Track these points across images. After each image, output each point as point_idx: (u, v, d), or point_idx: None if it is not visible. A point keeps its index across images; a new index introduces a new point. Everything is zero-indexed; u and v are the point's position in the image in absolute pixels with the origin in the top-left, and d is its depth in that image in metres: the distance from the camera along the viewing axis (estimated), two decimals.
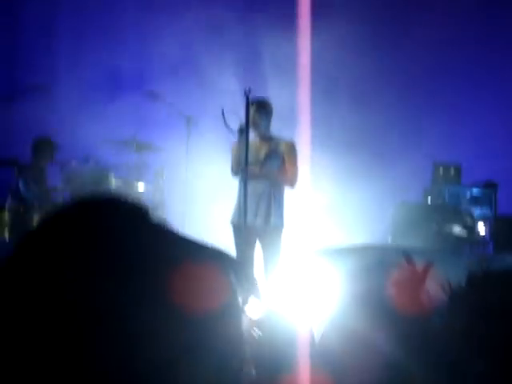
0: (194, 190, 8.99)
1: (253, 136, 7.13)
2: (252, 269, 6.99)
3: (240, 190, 6.98)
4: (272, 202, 7.07)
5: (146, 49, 10.97)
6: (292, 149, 7.19)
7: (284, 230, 7.15)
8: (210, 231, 8.99)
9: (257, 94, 7.12)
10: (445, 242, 8.61)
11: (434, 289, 1.85)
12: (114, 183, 8.72)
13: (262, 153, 7.14)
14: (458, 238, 8.78)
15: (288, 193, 7.34)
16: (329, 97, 10.42)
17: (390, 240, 9.02)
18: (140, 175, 9.19)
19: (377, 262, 5.59)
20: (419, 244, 8.42)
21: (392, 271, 5.15)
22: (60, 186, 8.76)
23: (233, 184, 7.33)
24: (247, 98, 6.85)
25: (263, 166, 7.10)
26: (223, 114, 6.70)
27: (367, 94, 10.64)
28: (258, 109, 7.09)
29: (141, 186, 9.04)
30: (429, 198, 9.54)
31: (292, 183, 7.19)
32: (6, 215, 8.23)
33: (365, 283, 5.57)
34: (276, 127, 7.34)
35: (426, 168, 9.81)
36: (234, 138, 7.10)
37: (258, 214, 7.04)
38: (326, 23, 10.41)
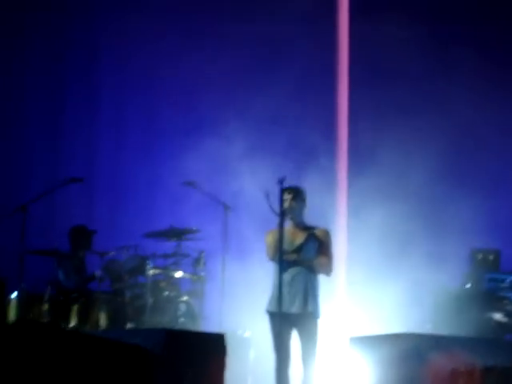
0: (231, 278, 9.02)
1: (288, 224, 7.17)
2: (289, 356, 6.93)
3: (275, 277, 6.99)
4: (308, 290, 7.06)
5: (184, 140, 11.18)
6: (327, 236, 7.22)
7: (320, 319, 7.12)
8: (248, 320, 9.03)
9: (290, 182, 7.20)
10: (485, 330, 8.50)
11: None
12: (152, 272, 8.77)
13: (298, 240, 7.18)
14: (499, 325, 8.66)
15: (326, 280, 7.33)
16: (365, 183, 10.48)
17: (429, 327, 8.92)
18: (178, 263, 9.25)
19: (412, 350, 5.52)
20: (459, 331, 8.31)
21: (428, 360, 5.08)
22: (99, 275, 8.83)
23: (269, 272, 7.35)
24: (281, 186, 6.91)
25: (299, 254, 7.12)
26: (267, 196, 6.75)
27: (401, 177, 10.66)
28: (295, 196, 7.16)
29: (179, 274, 9.08)
30: (468, 284, 9.45)
31: (328, 271, 7.20)
32: (46, 305, 8.30)
33: (400, 370, 5.51)
34: (312, 216, 7.38)
35: (464, 254, 9.75)
36: (272, 225, 7.12)
37: (294, 302, 7.03)
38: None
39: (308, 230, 7.23)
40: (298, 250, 7.13)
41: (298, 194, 7.20)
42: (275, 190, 6.92)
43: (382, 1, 10.99)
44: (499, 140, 10.81)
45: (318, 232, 7.20)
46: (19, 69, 11.31)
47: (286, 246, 6.99)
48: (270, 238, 7.18)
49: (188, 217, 10.13)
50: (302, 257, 7.11)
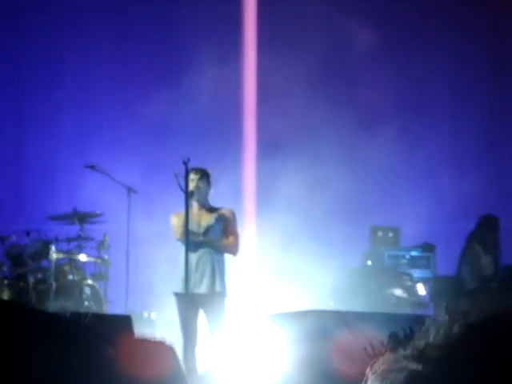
0: (136, 260, 9.01)
1: (194, 205, 7.21)
2: (196, 336, 7.00)
3: (182, 259, 7.02)
4: (215, 270, 7.13)
5: (86, 123, 11.08)
6: (233, 217, 7.31)
7: (227, 298, 7.20)
8: (154, 301, 9.05)
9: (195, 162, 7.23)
10: (385, 305, 8.73)
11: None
12: (56, 256, 8.68)
13: (204, 222, 7.23)
14: (399, 300, 8.91)
15: (232, 259, 7.41)
16: (271, 161, 10.60)
17: (331, 304, 9.11)
18: (82, 247, 9.17)
19: (319, 329, 5.64)
20: (361, 308, 8.51)
21: (334, 338, 5.20)
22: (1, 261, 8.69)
23: (174, 253, 7.38)
24: (186, 167, 6.94)
25: (205, 235, 7.18)
26: (176, 175, 6.78)
27: (307, 157, 10.80)
28: (202, 177, 7.20)
29: (83, 257, 9.01)
30: (368, 261, 9.69)
31: (234, 251, 7.29)
32: None
33: (308, 349, 5.63)
34: (218, 194, 7.45)
35: (364, 232, 9.99)
36: (177, 207, 7.15)
37: (201, 283, 7.08)
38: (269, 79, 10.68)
39: (213, 210, 7.30)
40: (205, 231, 7.19)
41: (204, 175, 7.26)
42: (181, 171, 6.96)
43: None
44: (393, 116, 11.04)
45: (223, 212, 7.28)
46: None
47: (193, 227, 7.04)
48: (175, 220, 7.22)
49: (91, 200, 10.05)
50: (209, 238, 7.17)
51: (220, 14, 11.02)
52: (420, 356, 1.41)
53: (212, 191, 7.36)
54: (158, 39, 11.14)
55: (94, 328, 1.00)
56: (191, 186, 7.05)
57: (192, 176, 7.09)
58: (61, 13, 11.19)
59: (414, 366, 1.40)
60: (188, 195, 6.82)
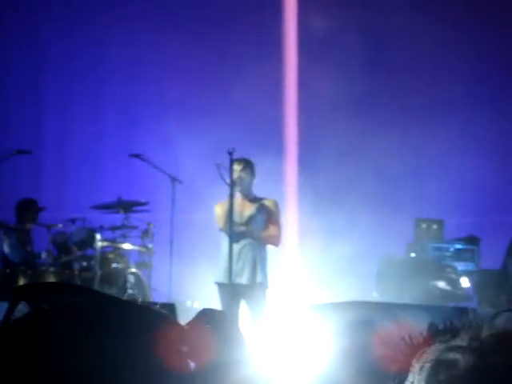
0: (179, 249, 9.05)
1: (237, 195, 7.21)
2: (237, 325, 7.02)
3: (224, 249, 7.04)
4: (257, 261, 7.13)
5: (131, 113, 11.15)
6: (275, 207, 7.29)
7: (268, 289, 7.19)
8: (196, 290, 9.09)
9: (240, 154, 7.25)
10: (429, 297, 8.67)
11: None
12: (100, 244, 8.76)
13: (247, 212, 7.23)
14: (442, 293, 8.85)
15: (274, 250, 7.41)
16: (315, 153, 10.58)
17: (374, 295, 9.07)
18: (127, 235, 9.24)
19: (362, 320, 5.63)
20: (405, 300, 8.47)
21: (378, 329, 5.19)
22: (46, 252, 8.79)
23: (217, 243, 7.40)
24: (231, 158, 6.95)
25: (247, 226, 7.18)
26: (218, 166, 6.79)
27: (352, 150, 10.78)
28: (245, 167, 7.19)
29: (127, 246, 9.08)
30: (412, 253, 9.63)
31: (276, 242, 7.27)
32: None
33: (351, 340, 5.62)
34: (261, 185, 7.45)
35: (408, 224, 9.93)
36: (221, 197, 7.16)
37: (243, 273, 7.09)
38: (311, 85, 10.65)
39: (256, 201, 7.29)
40: (247, 221, 7.19)
41: (247, 165, 7.24)
42: (225, 162, 6.97)
43: None
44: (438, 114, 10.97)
45: (266, 203, 7.27)
46: None
47: (236, 217, 7.04)
48: (219, 210, 7.23)
49: (136, 189, 10.12)
50: (251, 228, 7.17)
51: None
52: (477, 347, 1.39)
53: (255, 181, 7.35)
54: (196, 32, 11.17)
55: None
56: (234, 176, 7.05)
57: (235, 166, 7.09)
58: (106, 11, 11.26)
59: (471, 357, 1.38)
60: (232, 186, 6.82)
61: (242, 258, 7.11)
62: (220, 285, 7.15)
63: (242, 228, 7.13)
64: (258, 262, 7.13)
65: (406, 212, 10.21)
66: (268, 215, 7.23)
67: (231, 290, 6.89)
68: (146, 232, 9.14)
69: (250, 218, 7.21)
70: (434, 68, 11.04)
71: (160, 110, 11.10)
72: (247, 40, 10.99)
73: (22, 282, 8.31)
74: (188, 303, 9.13)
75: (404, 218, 10.10)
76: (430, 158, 10.76)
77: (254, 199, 7.31)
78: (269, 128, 10.78)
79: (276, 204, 7.34)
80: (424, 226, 9.83)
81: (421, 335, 1.77)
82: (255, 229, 7.18)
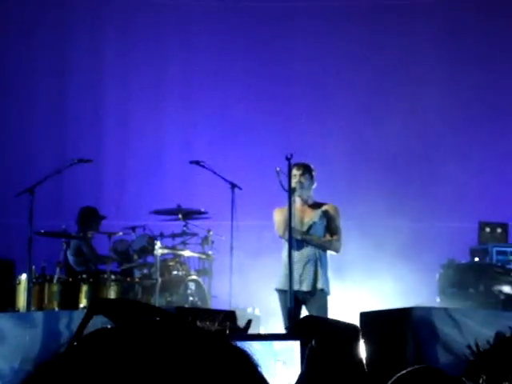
0: (239, 256, 9.03)
1: (297, 201, 7.15)
2: None
3: (285, 255, 6.98)
4: (318, 267, 7.05)
5: (190, 121, 11.20)
6: (336, 212, 7.20)
7: (330, 296, 7.11)
8: (257, 297, 9.05)
9: (299, 159, 7.19)
10: (494, 302, 8.51)
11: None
12: (161, 251, 8.78)
13: (307, 218, 7.16)
14: (508, 298, 8.66)
15: (334, 257, 7.33)
16: (367, 159, 10.51)
17: (438, 301, 8.93)
18: (187, 242, 9.25)
19: (426, 325, 5.52)
20: (468, 305, 8.32)
21: (440, 334, 5.05)
22: (108, 257, 8.83)
23: (277, 250, 7.35)
24: (289, 163, 6.89)
25: (308, 232, 7.11)
26: (277, 173, 6.73)
27: (411, 154, 10.69)
28: (304, 172, 7.11)
29: (187, 253, 9.09)
30: (476, 257, 9.46)
31: (337, 249, 7.17)
32: (56, 287, 8.31)
33: (413, 344, 5.46)
34: (319, 192, 7.39)
35: (472, 227, 9.76)
36: (281, 203, 7.10)
37: (304, 280, 7.01)
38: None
39: (317, 206, 7.22)
40: (308, 228, 7.13)
41: (306, 170, 7.17)
42: (284, 167, 6.91)
43: None
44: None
45: (326, 209, 7.19)
46: (27, 48, 11.29)
47: (296, 223, 6.98)
48: (278, 216, 7.17)
49: (195, 195, 10.14)
50: (311, 235, 7.10)
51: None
52: None
53: (315, 186, 7.28)
54: (255, 41, 11.20)
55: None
56: (293, 181, 6.99)
57: (294, 171, 7.03)
58: (166, 12, 11.33)
59: None
60: (291, 192, 6.75)
61: (303, 265, 7.05)
62: (280, 291, 7.10)
63: (302, 235, 7.07)
64: (319, 269, 7.05)
65: (469, 215, 10.05)
66: (328, 221, 7.15)
67: (292, 297, 6.83)
68: (205, 239, 9.14)
69: (311, 225, 7.14)
70: None
71: (219, 117, 11.12)
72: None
73: (84, 290, 8.37)
74: (249, 310, 9.09)
75: (467, 222, 9.94)
76: (493, 162, 10.61)
77: (314, 205, 7.24)
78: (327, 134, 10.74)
79: (336, 209, 7.25)
80: (488, 229, 9.65)
81: (487, 343, 1.70)
82: (315, 236, 7.11)
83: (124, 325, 1.02)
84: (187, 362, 0.97)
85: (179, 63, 11.34)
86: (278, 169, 6.72)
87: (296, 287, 6.91)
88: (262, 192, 9.62)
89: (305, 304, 7.06)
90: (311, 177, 7.22)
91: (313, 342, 1.18)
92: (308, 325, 1.24)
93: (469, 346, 1.81)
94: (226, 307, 8.53)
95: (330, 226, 7.14)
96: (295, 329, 1.17)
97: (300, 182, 7.08)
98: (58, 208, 10.66)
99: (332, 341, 1.11)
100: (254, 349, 1.02)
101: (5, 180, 10.65)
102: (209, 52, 11.20)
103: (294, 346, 1.57)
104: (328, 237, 7.13)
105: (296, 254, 6.94)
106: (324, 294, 7.04)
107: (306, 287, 7.01)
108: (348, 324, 1.25)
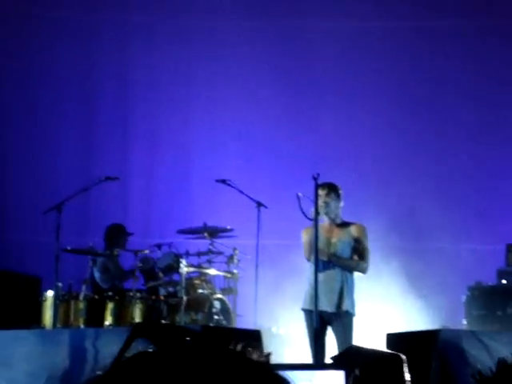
0: (265, 275, 9.01)
1: (324, 220, 7.12)
2: (324, 353, 6.89)
3: (311, 276, 6.95)
4: (344, 288, 7.00)
5: (216, 139, 11.23)
6: (363, 233, 7.15)
7: (355, 317, 7.06)
8: (282, 316, 9.03)
9: (326, 179, 7.17)
10: None
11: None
12: (186, 270, 8.79)
13: (334, 238, 7.12)
14: None
15: (359, 278, 7.29)
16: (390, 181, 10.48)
17: (465, 323, 8.86)
18: (212, 261, 9.26)
19: (453, 347, 5.48)
20: (496, 328, 8.25)
21: (468, 356, 5.03)
22: (134, 273, 8.85)
23: (303, 269, 7.33)
24: (316, 183, 6.87)
25: (335, 253, 7.06)
26: (298, 198, 6.70)
27: (437, 177, 10.65)
28: (330, 192, 7.09)
29: (213, 271, 9.09)
30: (503, 279, 9.38)
31: (363, 270, 7.11)
32: (82, 304, 8.33)
33: (439, 366, 5.44)
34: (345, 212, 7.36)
35: (499, 249, 9.69)
36: (308, 223, 7.09)
37: (329, 301, 6.97)
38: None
39: (344, 226, 7.17)
40: (335, 248, 7.09)
41: (332, 189, 7.13)
42: (309, 190, 6.89)
43: None
44: None
45: (353, 229, 7.14)
46: (53, 68, 11.39)
47: (322, 244, 6.95)
48: (305, 237, 7.14)
49: (221, 214, 10.15)
50: (338, 256, 7.05)
51: None
52: None
53: (342, 205, 7.22)
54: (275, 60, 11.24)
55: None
56: (319, 201, 6.96)
57: (319, 192, 7.00)
58: (191, 30, 11.39)
59: None
60: (316, 214, 6.69)
61: (329, 286, 7.00)
62: (306, 311, 7.07)
63: (328, 255, 7.02)
64: (344, 290, 7.00)
65: (497, 237, 9.98)
66: (355, 242, 7.10)
67: (317, 317, 6.79)
68: (231, 257, 9.14)
69: (338, 245, 7.10)
70: None
71: (245, 136, 11.14)
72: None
73: (110, 307, 8.39)
74: (274, 329, 9.06)
75: (495, 244, 9.87)
76: None
77: (341, 224, 7.18)
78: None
79: (364, 230, 7.18)
80: None
81: (490, 370, 1.69)
82: (342, 257, 7.06)
83: (165, 348, 1.02)
84: None
85: (205, 82, 11.39)
86: (299, 194, 6.68)
87: (322, 308, 6.88)
88: (288, 211, 9.60)
89: (330, 325, 7.04)
90: (337, 196, 7.18)
91: (357, 371, 1.17)
92: (352, 354, 1.24)
93: (472, 375, 1.81)
94: (250, 326, 8.51)
95: (357, 246, 7.09)
96: (339, 358, 1.17)
97: (325, 203, 7.05)
98: (85, 225, 10.72)
99: (376, 370, 1.10)
100: (297, 377, 1.02)
101: (33, 198, 10.73)
102: (235, 71, 11.24)
103: (338, 376, 1.56)
104: (355, 258, 7.09)
105: (322, 275, 6.91)
106: (349, 315, 7.00)
107: (331, 308, 6.98)
108: (391, 353, 1.24)
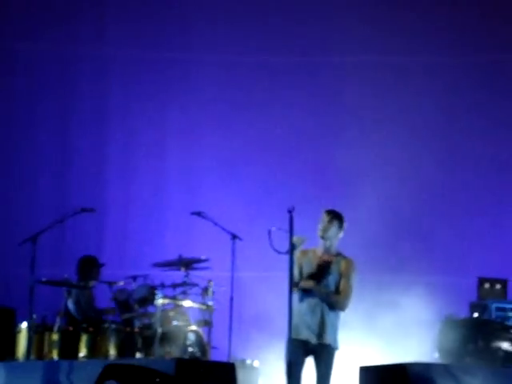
0: (239, 307, 9.05)
1: (320, 244, 7.05)
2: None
3: (295, 304, 6.80)
4: (326, 320, 6.90)
5: (192, 170, 11.29)
6: (350, 269, 6.99)
7: (338, 351, 6.96)
8: (257, 349, 9.06)
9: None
10: (493, 359, 8.50)
11: None
12: (161, 302, 8.80)
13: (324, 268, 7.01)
14: (507, 355, 8.66)
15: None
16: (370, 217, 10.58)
17: (436, 356, 8.93)
18: (187, 293, 9.28)
19: (425, 381, 5.56)
20: (467, 361, 8.32)
21: None
22: (109, 307, 8.87)
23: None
24: (291, 216, 6.88)
25: (319, 285, 6.95)
26: (269, 233, 6.69)
27: (410, 209, 10.75)
28: (333, 219, 7.05)
29: (188, 303, 9.11)
30: (475, 313, 9.47)
31: (342, 307, 6.97)
32: (56, 336, 8.32)
33: None
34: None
35: (471, 283, 9.80)
36: (283, 257, 7.07)
37: (311, 332, 6.86)
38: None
39: (336, 257, 7.00)
40: (316, 276, 6.93)
41: (336, 217, 7.03)
42: (285, 223, 6.90)
43: None
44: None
45: (344, 262, 6.98)
46: (28, 101, 11.43)
47: (311, 270, 6.92)
48: (298, 262, 6.93)
49: (196, 246, 10.19)
50: (321, 288, 6.92)
51: None
52: None
53: (341, 236, 7.10)
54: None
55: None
56: (320, 226, 6.94)
57: (323, 217, 6.97)
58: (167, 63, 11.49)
59: None
60: (291, 249, 6.62)
61: (312, 316, 6.88)
62: (288, 341, 6.97)
63: (310, 284, 6.89)
64: (327, 322, 6.87)
65: (468, 271, 10.09)
66: (340, 276, 6.97)
67: (298, 348, 6.74)
68: (206, 290, 9.16)
69: (320, 275, 6.97)
70: None
71: (221, 168, 11.21)
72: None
73: (84, 339, 8.38)
74: (248, 362, 9.09)
75: (467, 277, 9.98)
76: (493, 218, 10.68)
77: (335, 255, 7.03)
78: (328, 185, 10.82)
79: (352, 265, 7.01)
80: (487, 285, 9.68)
81: None
82: (325, 289, 6.93)
83: None
84: None
85: (181, 113, 11.46)
86: (272, 229, 6.63)
87: (304, 337, 6.84)
88: (263, 243, 9.65)
89: (312, 355, 6.95)
90: (340, 225, 7.04)
91: None
92: None
93: None
94: (225, 358, 8.54)
95: (343, 281, 6.93)
96: None
97: (325, 228, 7.01)
98: (60, 257, 10.72)
99: None
100: None
101: (7, 229, 10.72)
102: (211, 102, 11.34)
103: None
104: (336, 294, 6.93)
105: (305, 305, 6.87)
106: (331, 349, 6.87)
107: (313, 340, 6.88)
108: None
